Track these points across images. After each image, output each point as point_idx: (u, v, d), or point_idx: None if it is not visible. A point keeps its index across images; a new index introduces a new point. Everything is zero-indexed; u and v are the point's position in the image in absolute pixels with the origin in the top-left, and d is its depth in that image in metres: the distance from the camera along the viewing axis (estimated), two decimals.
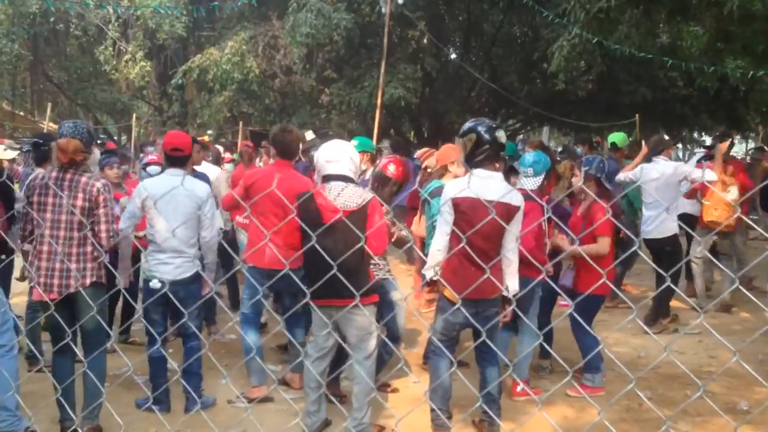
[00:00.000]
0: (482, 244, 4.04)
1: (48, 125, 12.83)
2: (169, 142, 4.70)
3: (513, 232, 4.11)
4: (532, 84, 17.46)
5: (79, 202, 4.03)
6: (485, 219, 3.75)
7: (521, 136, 23.14)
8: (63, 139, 4.02)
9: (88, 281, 4.09)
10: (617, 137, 8.59)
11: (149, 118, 23.47)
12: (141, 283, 5.19)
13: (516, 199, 4.12)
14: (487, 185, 4.00)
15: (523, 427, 4.48)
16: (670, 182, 6.69)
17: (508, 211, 4.05)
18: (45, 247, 4.03)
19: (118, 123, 24.52)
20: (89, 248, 4.10)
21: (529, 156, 5.02)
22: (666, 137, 7.46)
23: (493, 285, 3.94)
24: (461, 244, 3.87)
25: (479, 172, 4.12)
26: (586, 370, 5.12)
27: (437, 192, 5.01)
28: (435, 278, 4.15)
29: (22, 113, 23.20)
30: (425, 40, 15.95)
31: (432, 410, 4.30)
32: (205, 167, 6.90)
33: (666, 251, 6.64)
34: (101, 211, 4.09)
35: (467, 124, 4.26)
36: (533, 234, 4.74)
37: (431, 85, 16.92)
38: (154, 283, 4.51)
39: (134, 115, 17.42)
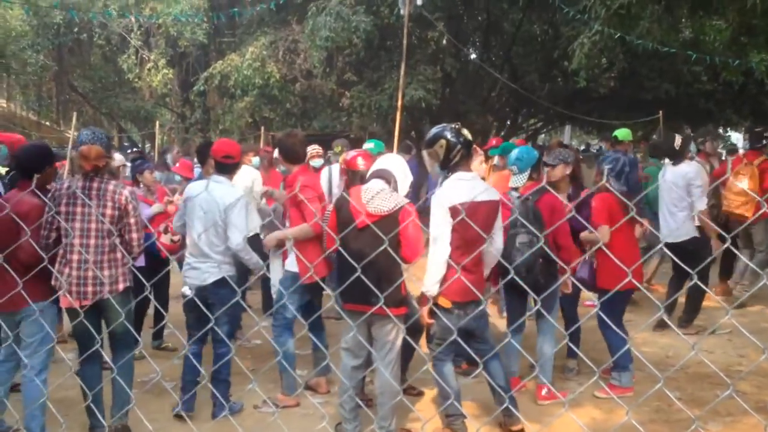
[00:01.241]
0: (475, 247, 4.08)
1: (74, 134, 12.99)
2: (221, 150, 4.79)
3: (499, 226, 4.32)
4: (553, 82, 17.34)
5: (109, 211, 4.09)
6: (480, 220, 4.00)
7: (543, 136, 23.03)
8: (85, 147, 4.08)
9: (121, 286, 4.16)
10: (620, 132, 8.59)
11: (172, 125, 23.69)
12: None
13: (496, 195, 4.33)
14: (473, 187, 4.10)
15: (550, 428, 4.45)
16: (679, 186, 6.53)
17: (496, 208, 4.25)
18: (75, 256, 4.08)
19: (141, 131, 24.80)
20: (119, 254, 4.16)
21: (514, 153, 5.01)
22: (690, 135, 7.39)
23: (482, 284, 4.21)
24: (478, 249, 3.89)
25: (461, 175, 4.19)
26: (614, 369, 5.07)
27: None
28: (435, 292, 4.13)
29: (48, 123, 23.59)
30: (444, 41, 15.94)
31: (447, 415, 4.34)
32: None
33: (689, 252, 6.41)
34: (131, 220, 4.16)
35: (431, 133, 4.37)
36: (565, 232, 4.78)
37: (451, 86, 16.88)
38: (185, 290, 4.59)
39: (157, 122, 17.58)
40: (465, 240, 4.09)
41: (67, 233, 4.09)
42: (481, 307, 4.26)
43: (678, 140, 6.99)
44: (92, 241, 4.08)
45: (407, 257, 4.02)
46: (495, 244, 4.33)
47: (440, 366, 4.33)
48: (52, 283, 4.11)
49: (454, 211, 4.00)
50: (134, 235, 4.18)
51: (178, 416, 4.60)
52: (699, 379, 5.35)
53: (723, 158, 8.84)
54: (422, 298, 4.22)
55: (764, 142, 7.32)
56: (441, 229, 4.06)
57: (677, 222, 6.46)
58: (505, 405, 4.37)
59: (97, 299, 4.08)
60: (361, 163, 4.76)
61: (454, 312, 4.12)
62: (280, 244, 5.06)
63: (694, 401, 4.91)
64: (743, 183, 7.08)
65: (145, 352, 4.29)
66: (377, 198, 4.06)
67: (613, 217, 4.92)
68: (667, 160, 6.76)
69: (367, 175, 4.32)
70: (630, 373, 5.07)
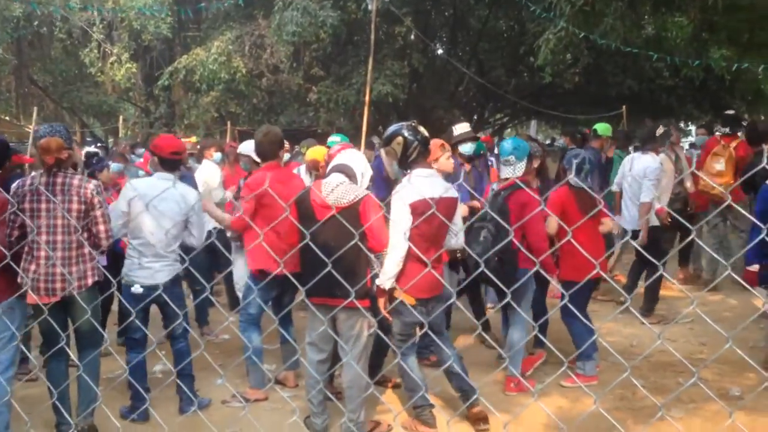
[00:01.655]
0: (434, 243, 4.16)
1: (34, 129, 12.73)
2: (170, 145, 4.71)
3: (456, 223, 4.38)
4: (519, 78, 17.52)
5: (75, 206, 4.02)
6: (440, 216, 4.00)
7: (509, 130, 23.24)
8: (44, 140, 3.99)
9: (90, 281, 4.10)
10: (600, 126, 8.69)
11: (136, 120, 23.32)
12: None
13: (454, 192, 4.34)
14: (432, 183, 4.18)
15: (519, 418, 4.51)
16: (639, 176, 6.76)
17: (453, 205, 4.31)
18: (42, 253, 4.00)
19: (104, 125, 24.39)
20: (87, 249, 4.10)
21: (508, 143, 4.97)
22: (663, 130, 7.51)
23: (440, 283, 4.21)
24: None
25: (420, 172, 4.26)
26: (579, 359, 5.14)
27: None
28: (392, 287, 4.16)
29: (7, 118, 23.02)
30: (412, 36, 15.98)
31: (416, 407, 4.38)
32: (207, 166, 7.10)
33: (648, 241, 6.64)
34: (98, 212, 4.08)
35: (388, 131, 4.44)
36: (536, 232, 4.80)
37: (419, 81, 16.94)
38: (136, 288, 4.45)
39: (121, 117, 17.34)
40: (425, 236, 4.13)
41: (32, 230, 4.01)
42: (447, 303, 4.38)
43: (660, 130, 7.21)
44: (59, 237, 4.01)
45: (374, 247, 4.07)
46: (459, 241, 4.40)
47: (404, 359, 4.35)
48: (18, 281, 4.03)
49: (413, 208, 4.03)
50: (101, 227, 4.10)
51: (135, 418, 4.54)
52: (662, 368, 5.46)
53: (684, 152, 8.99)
54: (378, 291, 4.22)
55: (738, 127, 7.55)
56: (399, 225, 4.07)
57: (636, 212, 6.76)
58: (472, 398, 4.44)
59: (66, 295, 4.01)
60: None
61: (417, 308, 4.14)
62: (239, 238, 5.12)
63: (657, 389, 5.01)
64: (720, 164, 7.28)
65: (111, 349, 4.22)
66: (336, 191, 4.08)
67: (566, 210, 5.03)
68: (632, 151, 6.94)
69: (327, 170, 4.33)
70: (594, 362, 5.16)
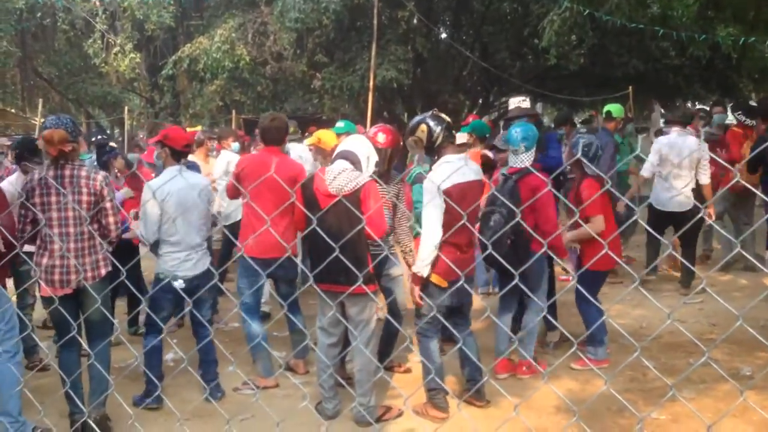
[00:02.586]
0: (469, 227, 4.19)
1: (40, 121, 12.76)
2: (184, 137, 4.79)
3: (482, 207, 4.55)
4: (524, 60, 17.41)
5: (84, 197, 4.04)
6: (471, 199, 4.17)
7: None
8: (47, 131, 3.99)
9: (103, 271, 4.13)
10: (613, 107, 8.53)
11: (141, 111, 23.35)
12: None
13: (481, 175, 4.44)
14: (461, 168, 4.17)
15: (529, 401, 4.52)
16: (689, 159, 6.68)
17: (482, 188, 4.40)
18: (56, 245, 4.03)
19: (110, 116, 24.40)
20: (97, 240, 4.13)
21: (516, 131, 4.84)
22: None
23: (473, 262, 4.38)
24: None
25: (448, 158, 4.27)
26: (590, 342, 5.14)
27: (419, 179, 5.06)
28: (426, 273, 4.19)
29: (13, 110, 23.04)
30: (415, 21, 15.88)
31: (429, 390, 4.39)
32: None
33: (688, 220, 6.49)
34: (107, 204, 4.11)
35: (412, 122, 4.48)
36: (548, 218, 4.76)
37: (423, 66, 16.86)
38: (180, 284, 4.52)
39: (126, 107, 17.34)
40: (459, 219, 4.03)
41: (44, 223, 4.03)
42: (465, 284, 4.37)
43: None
44: (71, 229, 4.03)
45: (372, 234, 4.06)
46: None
47: (426, 342, 4.38)
48: (32, 274, 4.07)
49: (447, 194, 4.00)
50: (111, 219, 4.13)
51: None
52: (672, 349, 5.46)
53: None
54: (414, 278, 4.25)
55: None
56: (433, 211, 4.09)
57: (676, 191, 6.65)
58: (481, 382, 4.46)
59: (81, 286, 4.04)
60: (381, 139, 4.78)
61: (448, 290, 4.19)
62: None
63: (667, 370, 5.00)
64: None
65: (122, 338, 4.24)
66: (339, 178, 4.10)
67: (605, 204, 5.03)
68: (654, 135, 6.87)
69: (332, 156, 4.34)
70: (605, 346, 5.16)
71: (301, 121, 11.02)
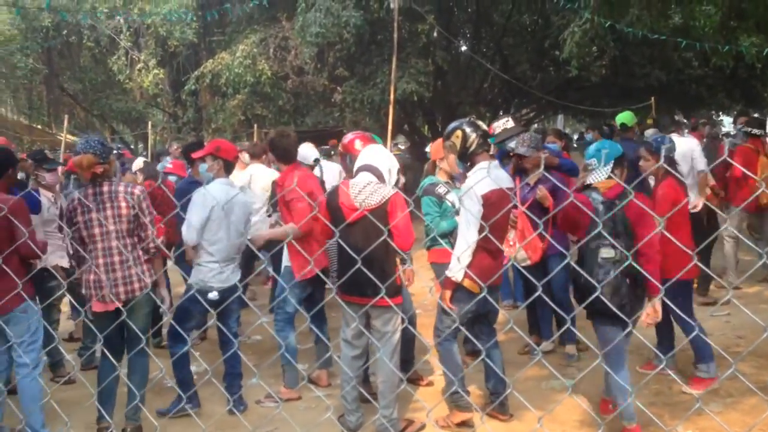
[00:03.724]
0: (501, 232, 4.29)
1: (66, 137, 12.95)
2: (234, 149, 4.95)
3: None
4: (545, 72, 17.36)
5: (124, 211, 4.13)
6: (506, 207, 4.15)
7: (536, 125, 23.07)
8: (76, 158, 4.15)
9: (149, 281, 4.19)
10: (625, 117, 8.43)
11: (164, 126, 23.62)
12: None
13: (512, 182, 4.49)
14: (499, 175, 4.23)
15: (553, 415, 4.48)
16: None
17: (510, 195, 4.37)
18: (101, 260, 4.12)
19: (133, 131, 24.74)
20: (140, 252, 4.22)
21: (592, 146, 4.36)
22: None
23: (501, 270, 4.35)
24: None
25: (483, 164, 4.26)
26: (700, 360, 4.84)
27: (429, 190, 5.04)
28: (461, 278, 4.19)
29: (39, 126, 23.47)
30: (435, 34, 15.91)
31: (453, 393, 4.37)
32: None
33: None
34: (147, 218, 4.19)
35: (449, 127, 4.48)
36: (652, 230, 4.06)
37: (443, 78, 16.87)
38: (214, 295, 4.57)
39: (149, 123, 17.54)
40: (492, 226, 4.02)
41: (89, 240, 4.13)
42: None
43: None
44: (114, 243, 4.12)
45: (400, 246, 4.07)
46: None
47: (447, 345, 4.39)
48: (83, 291, 4.16)
49: (485, 199, 4.11)
50: (150, 232, 4.22)
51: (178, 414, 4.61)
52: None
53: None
54: (447, 283, 4.26)
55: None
56: (471, 217, 4.12)
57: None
58: (504, 394, 4.44)
59: (129, 298, 4.11)
60: (358, 145, 4.82)
61: (478, 296, 4.14)
62: (266, 244, 5.15)
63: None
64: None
65: (147, 349, 4.28)
66: (364, 192, 4.12)
67: (677, 203, 4.71)
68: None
69: (355, 169, 4.35)
70: (714, 361, 4.83)
71: (322, 134, 11.10)
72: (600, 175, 4.10)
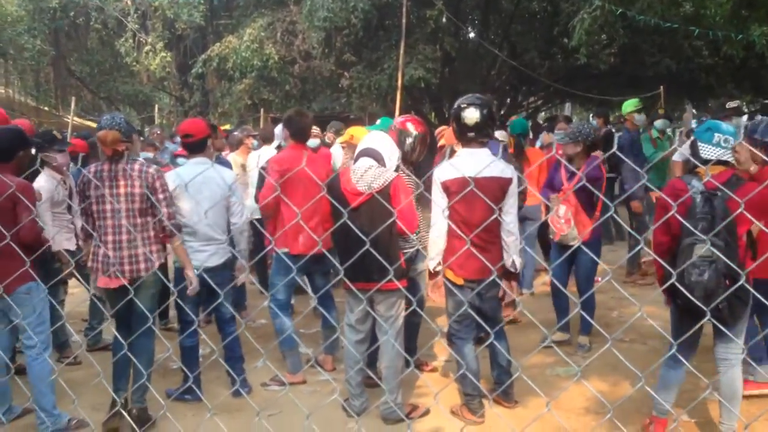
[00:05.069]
0: (478, 223, 3.93)
1: (72, 119, 12.95)
2: (182, 129, 4.80)
3: (510, 205, 4.15)
4: (553, 60, 17.25)
5: (137, 189, 4.10)
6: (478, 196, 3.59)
7: (543, 113, 22.97)
8: (101, 132, 4.11)
9: (156, 264, 4.17)
10: (631, 104, 8.38)
11: (171, 109, 23.63)
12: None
13: (507, 172, 4.12)
14: (476, 162, 4.00)
15: (558, 402, 4.49)
16: None
17: (501, 186, 4.09)
18: (110, 237, 4.11)
19: (140, 114, 24.72)
20: (152, 232, 4.18)
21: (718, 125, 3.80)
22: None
23: (495, 263, 4.08)
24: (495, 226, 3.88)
25: (465, 151, 4.20)
26: (761, 361, 4.59)
27: None
28: (438, 266, 4.17)
29: (46, 108, 23.49)
30: (443, 20, 15.82)
31: (465, 395, 4.34)
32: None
33: None
34: (161, 196, 4.15)
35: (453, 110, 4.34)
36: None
37: (451, 65, 16.80)
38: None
39: (156, 106, 17.55)
40: (463, 216, 4.07)
41: (99, 216, 4.12)
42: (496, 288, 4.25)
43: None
44: (124, 221, 4.11)
45: (404, 229, 4.09)
46: (505, 226, 4.15)
47: (460, 344, 4.30)
48: (89, 265, 4.16)
49: (444, 187, 4.07)
50: (165, 211, 4.17)
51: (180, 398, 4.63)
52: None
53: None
54: (428, 273, 4.26)
55: None
56: (434, 204, 4.11)
57: None
58: (508, 381, 4.42)
59: (135, 277, 4.11)
60: (410, 127, 4.85)
61: (465, 289, 4.14)
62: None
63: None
64: None
65: (155, 328, 4.29)
66: (366, 176, 4.12)
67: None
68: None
69: (354, 154, 4.34)
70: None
71: (329, 119, 11.03)
72: (723, 154, 3.62)
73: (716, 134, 3.66)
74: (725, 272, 3.37)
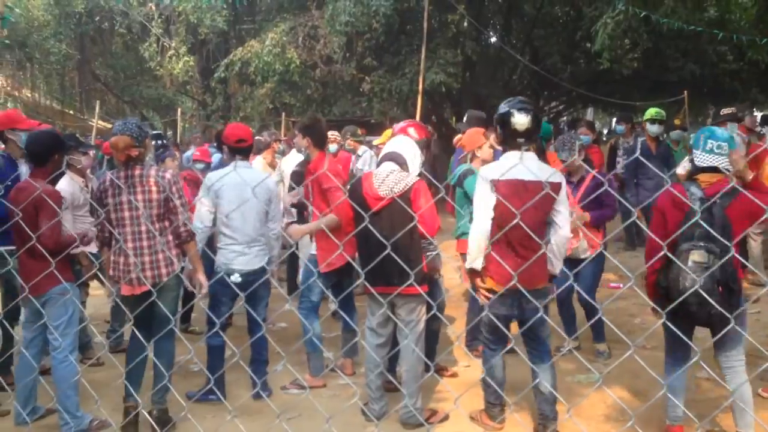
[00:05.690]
0: (520, 230, 3.51)
1: (97, 123, 13.12)
2: (233, 134, 4.83)
3: (562, 211, 3.90)
4: (575, 64, 17.17)
5: (154, 195, 4.13)
6: (528, 200, 3.49)
7: (565, 118, 22.85)
8: (113, 138, 4.13)
9: (177, 267, 4.21)
10: (648, 113, 8.39)
11: (193, 113, 23.82)
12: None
13: (556, 177, 3.89)
14: (525, 166, 3.74)
15: (578, 409, 4.45)
16: None
17: (550, 191, 3.82)
18: (129, 244, 4.13)
19: (163, 118, 24.95)
20: (170, 237, 4.22)
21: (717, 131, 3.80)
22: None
23: (539, 275, 3.84)
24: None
25: (509, 154, 3.94)
26: None
27: (468, 172, 4.99)
28: (478, 267, 3.90)
29: (71, 112, 23.80)
30: (465, 24, 15.80)
31: (487, 402, 4.29)
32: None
33: None
34: (177, 201, 4.18)
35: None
36: None
37: (472, 69, 16.77)
38: (236, 278, 4.56)
39: (179, 110, 17.69)
40: (507, 220, 3.69)
41: (118, 223, 4.15)
42: (546, 299, 4.05)
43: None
44: (143, 227, 4.13)
45: (425, 232, 4.07)
46: (557, 233, 3.92)
47: (489, 355, 4.15)
48: (110, 273, 4.20)
49: (495, 186, 3.77)
50: (180, 216, 4.21)
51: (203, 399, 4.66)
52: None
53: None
54: (467, 275, 4.06)
55: None
56: (481, 202, 3.84)
57: None
58: (552, 423, 4.11)
59: (157, 282, 4.13)
60: (412, 132, 4.80)
61: (506, 300, 3.84)
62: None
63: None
64: None
65: (176, 330, 4.32)
66: (388, 180, 4.13)
67: None
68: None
69: (378, 159, 4.36)
70: None
71: (349, 124, 11.05)
72: (717, 160, 3.62)
73: (710, 141, 3.65)
74: (719, 279, 3.40)
